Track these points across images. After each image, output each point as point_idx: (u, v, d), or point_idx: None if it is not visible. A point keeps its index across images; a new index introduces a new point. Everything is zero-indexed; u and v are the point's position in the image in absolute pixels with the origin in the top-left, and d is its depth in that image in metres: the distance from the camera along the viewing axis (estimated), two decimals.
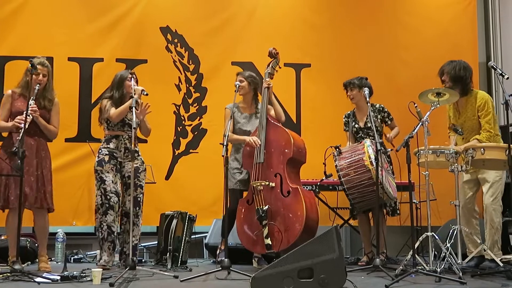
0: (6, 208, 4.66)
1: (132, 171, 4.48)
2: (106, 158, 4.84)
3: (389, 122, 5.30)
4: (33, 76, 4.66)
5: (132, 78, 4.79)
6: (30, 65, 4.45)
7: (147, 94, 4.65)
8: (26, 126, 4.42)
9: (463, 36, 6.82)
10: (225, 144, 4.40)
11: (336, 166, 4.89)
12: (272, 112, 5.05)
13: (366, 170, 4.74)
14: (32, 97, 4.56)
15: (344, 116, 5.43)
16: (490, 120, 4.70)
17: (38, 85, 4.67)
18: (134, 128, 4.36)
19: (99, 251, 5.57)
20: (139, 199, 4.89)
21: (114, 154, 4.88)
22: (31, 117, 4.55)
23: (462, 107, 4.86)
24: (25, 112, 4.49)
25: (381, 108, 5.30)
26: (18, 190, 4.44)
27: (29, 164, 4.64)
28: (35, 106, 4.61)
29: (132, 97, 4.59)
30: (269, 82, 5.04)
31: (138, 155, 4.96)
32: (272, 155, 4.80)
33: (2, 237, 5.46)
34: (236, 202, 4.90)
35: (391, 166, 5.21)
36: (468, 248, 4.72)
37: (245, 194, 5.03)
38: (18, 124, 4.55)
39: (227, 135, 4.49)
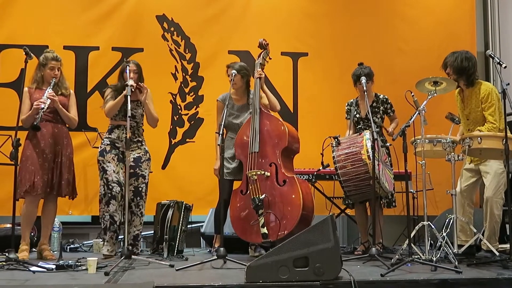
0: (29, 195, 4.67)
1: (127, 160, 4.46)
2: (108, 148, 4.84)
3: (391, 114, 5.27)
4: (48, 71, 4.81)
5: (127, 67, 4.72)
6: (24, 52, 4.42)
7: (127, 85, 4.54)
8: (45, 108, 4.61)
9: (461, 25, 6.78)
10: (220, 133, 4.39)
11: (333, 157, 4.86)
12: (266, 102, 5.01)
13: (363, 163, 4.70)
14: (49, 87, 4.74)
15: (346, 104, 5.38)
16: (493, 112, 4.59)
17: (54, 79, 4.82)
18: (128, 116, 4.32)
19: (95, 240, 5.58)
20: (140, 188, 4.86)
21: (116, 143, 4.87)
22: (49, 100, 4.66)
23: (467, 98, 4.77)
24: (44, 96, 4.66)
25: (384, 100, 5.26)
26: (43, 178, 4.66)
27: (49, 151, 4.73)
28: (53, 92, 4.74)
29: (126, 85, 4.55)
30: (260, 72, 4.99)
31: (142, 145, 4.96)
32: (267, 145, 4.76)
33: None
34: (227, 192, 4.85)
35: (389, 158, 5.19)
36: (459, 237, 4.60)
37: (235, 183, 4.98)
38: (37, 106, 4.63)
39: (222, 124, 4.47)
